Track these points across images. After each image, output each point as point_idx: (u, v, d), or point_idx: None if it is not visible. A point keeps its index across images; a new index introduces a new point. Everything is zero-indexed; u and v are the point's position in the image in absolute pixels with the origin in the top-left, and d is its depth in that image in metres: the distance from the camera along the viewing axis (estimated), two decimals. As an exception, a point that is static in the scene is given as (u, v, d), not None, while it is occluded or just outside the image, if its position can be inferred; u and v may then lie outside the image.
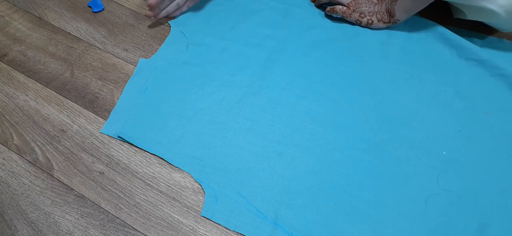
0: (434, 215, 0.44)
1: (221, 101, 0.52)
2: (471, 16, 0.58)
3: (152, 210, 0.43)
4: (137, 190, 0.45)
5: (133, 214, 0.43)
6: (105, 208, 0.43)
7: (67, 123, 0.50)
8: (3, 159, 0.47)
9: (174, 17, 0.63)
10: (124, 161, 0.47)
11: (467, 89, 0.55)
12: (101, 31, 0.61)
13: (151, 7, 0.58)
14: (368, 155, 0.48)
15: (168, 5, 0.61)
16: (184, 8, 0.63)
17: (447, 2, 0.61)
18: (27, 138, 0.48)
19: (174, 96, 0.53)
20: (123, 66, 0.57)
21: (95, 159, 0.47)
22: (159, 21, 0.62)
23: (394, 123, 0.51)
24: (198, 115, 0.51)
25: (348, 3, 0.61)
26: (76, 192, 0.44)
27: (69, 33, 0.60)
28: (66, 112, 0.51)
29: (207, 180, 0.45)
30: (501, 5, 0.52)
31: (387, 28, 0.62)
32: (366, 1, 0.61)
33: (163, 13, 0.61)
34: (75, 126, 0.50)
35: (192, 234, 0.42)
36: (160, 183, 0.45)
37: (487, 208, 0.44)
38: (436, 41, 0.61)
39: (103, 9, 0.64)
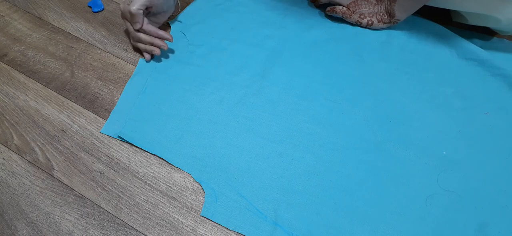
0: (434, 215, 0.44)
1: (221, 101, 0.52)
2: (472, 21, 0.58)
3: (152, 210, 0.43)
4: (137, 190, 0.45)
5: (133, 214, 0.43)
6: (105, 208, 0.43)
7: (67, 123, 0.50)
8: (3, 159, 0.47)
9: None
10: (124, 161, 0.47)
11: (467, 89, 0.55)
12: (101, 31, 0.61)
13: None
14: (368, 155, 0.48)
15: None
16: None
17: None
18: (27, 138, 0.48)
19: (174, 96, 0.53)
20: (123, 66, 0.57)
21: (95, 159, 0.47)
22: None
23: (394, 123, 0.51)
24: (198, 115, 0.51)
25: (348, 4, 0.61)
26: (76, 192, 0.44)
27: (69, 33, 0.60)
28: (66, 112, 0.51)
29: (207, 180, 0.45)
30: (504, 13, 0.53)
31: (388, 28, 0.62)
32: (366, 2, 0.61)
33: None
34: (75, 126, 0.50)
35: (192, 234, 0.42)
36: (160, 183, 0.45)
37: (487, 208, 0.44)
38: (436, 41, 0.61)
39: (103, 9, 0.64)
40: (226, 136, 0.49)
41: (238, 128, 0.50)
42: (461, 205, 0.44)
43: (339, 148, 0.48)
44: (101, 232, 0.42)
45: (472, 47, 0.59)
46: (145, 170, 0.46)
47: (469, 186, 0.46)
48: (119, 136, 0.49)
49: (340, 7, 0.61)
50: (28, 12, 0.63)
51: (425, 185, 0.46)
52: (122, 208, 0.43)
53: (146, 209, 0.43)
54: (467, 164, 0.48)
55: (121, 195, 0.44)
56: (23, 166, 0.46)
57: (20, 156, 0.47)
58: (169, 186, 0.45)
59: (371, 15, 0.60)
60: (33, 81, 0.54)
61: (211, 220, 0.43)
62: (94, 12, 0.64)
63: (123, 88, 0.54)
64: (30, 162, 0.46)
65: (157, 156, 0.47)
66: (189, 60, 0.57)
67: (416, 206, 0.44)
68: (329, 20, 0.64)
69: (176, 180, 0.46)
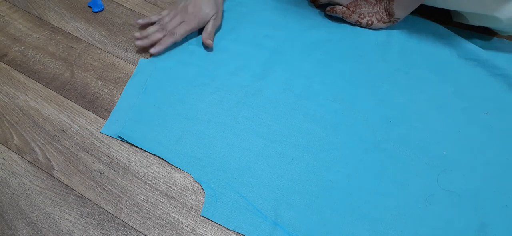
0: (434, 215, 0.44)
1: (221, 101, 0.52)
2: (472, 21, 0.58)
3: (152, 210, 0.43)
4: (137, 190, 0.45)
5: (133, 214, 0.43)
6: (105, 208, 0.43)
7: (67, 123, 0.50)
8: (3, 159, 0.47)
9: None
10: (124, 161, 0.47)
11: (467, 89, 0.55)
12: (101, 31, 0.61)
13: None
14: (368, 155, 0.48)
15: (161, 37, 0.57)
16: (178, 38, 0.57)
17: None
18: (27, 138, 0.48)
19: (174, 96, 0.53)
20: (123, 66, 0.57)
21: (95, 159, 0.47)
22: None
23: (394, 123, 0.51)
24: (198, 115, 0.51)
25: (347, 4, 0.61)
26: (76, 192, 0.44)
27: (69, 33, 0.60)
28: (66, 112, 0.51)
29: (207, 180, 0.45)
30: (504, 13, 0.53)
31: (388, 27, 0.62)
32: (365, 2, 0.61)
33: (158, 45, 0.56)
34: (75, 126, 0.50)
35: (192, 234, 0.42)
36: (160, 183, 0.45)
37: (487, 208, 0.44)
38: (436, 41, 0.61)
39: (103, 9, 0.64)
40: (226, 136, 0.49)
41: (238, 128, 0.50)
42: (461, 205, 0.44)
43: (339, 148, 0.48)
44: (101, 232, 0.42)
45: (472, 47, 0.59)
46: (145, 170, 0.46)
47: (469, 186, 0.46)
48: (119, 136, 0.49)
49: (340, 7, 0.61)
50: (28, 12, 0.63)
51: (425, 185, 0.46)
52: (122, 208, 0.43)
53: (146, 209, 0.43)
54: (467, 164, 0.48)
55: (121, 195, 0.44)
56: (23, 166, 0.46)
57: (20, 156, 0.47)
58: (169, 186, 0.45)
59: (370, 14, 0.60)
60: (33, 81, 0.54)
61: (211, 220, 0.43)
62: (94, 12, 0.64)
63: (123, 88, 0.54)
64: (30, 162, 0.46)
65: (157, 156, 0.47)
66: (189, 60, 0.57)
67: (416, 206, 0.44)
68: (329, 20, 0.64)
69: (176, 180, 0.46)
